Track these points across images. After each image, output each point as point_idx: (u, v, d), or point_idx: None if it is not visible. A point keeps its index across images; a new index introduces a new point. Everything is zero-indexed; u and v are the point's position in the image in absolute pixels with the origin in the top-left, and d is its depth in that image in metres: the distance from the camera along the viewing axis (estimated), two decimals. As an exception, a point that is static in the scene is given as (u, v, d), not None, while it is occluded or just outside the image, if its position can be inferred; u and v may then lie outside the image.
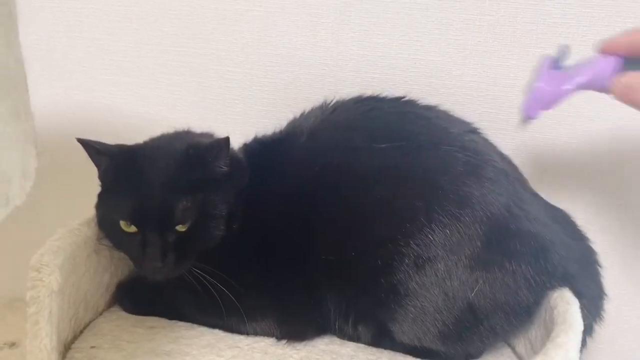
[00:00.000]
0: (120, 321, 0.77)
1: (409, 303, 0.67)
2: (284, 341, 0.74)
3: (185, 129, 0.80)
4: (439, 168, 0.67)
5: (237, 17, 0.93)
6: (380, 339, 0.73)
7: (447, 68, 0.89)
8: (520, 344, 0.74)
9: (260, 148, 0.79)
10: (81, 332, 0.75)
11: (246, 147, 0.80)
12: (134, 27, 0.97)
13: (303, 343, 0.74)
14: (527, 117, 0.60)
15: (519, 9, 0.85)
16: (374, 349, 0.74)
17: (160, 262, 0.68)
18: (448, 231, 0.65)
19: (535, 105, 0.59)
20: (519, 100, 0.84)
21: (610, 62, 0.56)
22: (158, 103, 1.00)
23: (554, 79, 0.58)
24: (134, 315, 0.79)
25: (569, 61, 0.61)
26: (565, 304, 0.63)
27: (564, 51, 0.60)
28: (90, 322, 0.77)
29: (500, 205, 0.66)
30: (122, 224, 0.70)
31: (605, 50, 0.57)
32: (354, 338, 0.75)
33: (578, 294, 0.66)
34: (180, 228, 0.69)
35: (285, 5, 0.91)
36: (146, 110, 1.01)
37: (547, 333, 0.66)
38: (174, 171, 0.70)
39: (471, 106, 0.90)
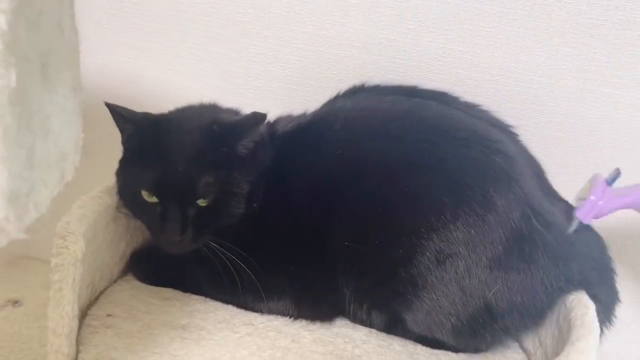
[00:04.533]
0: (135, 290, 0.77)
1: (426, 296, 0.68)
2: (298, 321, 0.75)
3: (212, 102, 0.79)
4: (471, 168, 0.67)
5: (267, -8, 0.91)
6: (393, 326, 0.74)
7: (476, 60, 0.89)
8: (529, 340, 0.75)
9: (290, 129, 0.78)
10: (96, 298, 0.75)
11: (273, 127, 0.79)
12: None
13: (317, 324, 0.75)
14: (581, 222, 0.70)
15: (554, 6, 0.84)
16: (385, 335, 0.75)
17: (178, 236, 0.68)
18: (472, 231, 0.65)
19: (589, 214, 0.70)
20: (545, 98, 0.85)
21: None
22: (179, 71, 0.98)
23: (605, 195, 0.69)
24: (148, 285, 0.79)
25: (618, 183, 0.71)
26: (584, 308, 0.64)
27: (616, 174, 0.71)
28: (104, 289, 0.77)
29: (524, 212, 0.67)
30: (143, 193, 0.69)
31: None
32: (367, 323, 0.76)
33: (593, 298, 0.68)
34: (201, 202, 0.69)
35: (315, -18, 0.90)
36: (167, 78, 0.99)
37: (560, 333, 0.68)
38: (198, 146, 0.70)
39: (496, 100, 0.89)
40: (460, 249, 0.65)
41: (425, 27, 0.89)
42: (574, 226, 0.70)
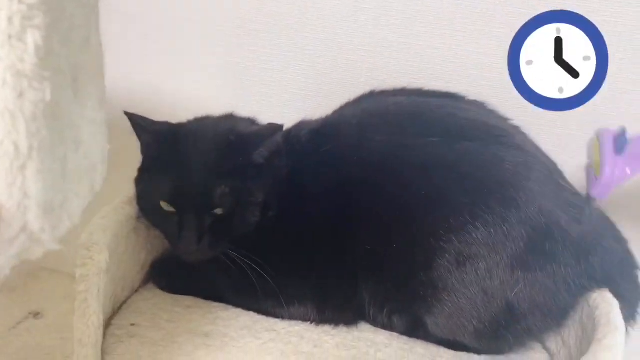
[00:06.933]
0: (157, 299, 0.78)
1: (447, 299, 0.68)
2: (320, 326, 0.75)
3: (229, 112, 0.80)
4: (488, 167, 0.67)
5: (278, 0, 0.92)
6: (414, 330, 0.74)
7: (488, 62, 0.89)
8: (551, 340, 0.75)
9: (305, 136, 0.78)
10: (119, 308, 0.76)
11: (289, 134, 0.79)
12: (171, 3, 0.96)
13: (338, 329, 0.75)
14: (599, 198, 0.65)
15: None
16: (407, 339, 0.75)
17: (195, 245, 0.69)
18: (492, 230, 0.65)
19: (605, 189, 0.64)
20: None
21: None
22: (193, 80, 0.99)
23: (617, 163, 0.63)
24: (169, 294, 0.80)
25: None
26: (608, 306, 0.64)
27: (622, 136, 0.64)
28: (127, 299, 0.78)
29: (544, 208, 0.66)
30: (161, 203, 0.70)
31: None
32: (388, 327, 0.76)
33: (617, 296, 0.67)
34: (217, 212, 0.70)
35: (327, -12, 0.90)
36: (180, 87, 1.00)
37: (584, 331, 0.67)
38: (215, 156, 0.70)
39: (509, 102, 0.89)
40: (481, 250, 0.65)
41: (436, 30, 0.89)
42: (591, 207, 0.67)
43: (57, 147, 0.33)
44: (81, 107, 0.35)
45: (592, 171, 0.66)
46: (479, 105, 0.79)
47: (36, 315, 1.10)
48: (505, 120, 0.78)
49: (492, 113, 0.78)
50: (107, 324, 0.72)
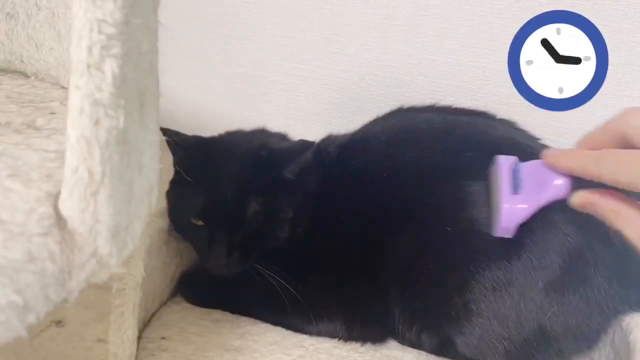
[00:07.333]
0: (186, 312, 0.78)
1: (479, 320, 0.68)
2: (348, 343, 0.75)
3: (261, 127, 0.80)
4: None
5: (307, 14, 0.93)
6: (443, 349, 0.74)
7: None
8: (580, 361, 0.74)
9: (334, 150, 0.79)
10: (149, 321, 0.76)
11: (318, 149, 0.80)
12: (195, 15, 0.97)
13: (366, 346, 0.75)
14: (508, 235, 0.60)
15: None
16: (435, 357, 0.75)
17: (224, 260, 0.70)
18: (532, 257, 0.65)
19: (506, 231, 0.60)
20: (587, 120, 0.84)
21: (566, 182, 0.56)
22: (218, 94, 1.00)
23: (515, 201, 0.59)
24: (197, 307, 0.80)
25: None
26: (641, 331, 0.63)
27: (516, 166, 0.61)
28: (156, 311, 0.78)
29: (578, 230, 0.66)
30: (191, 217, 0.70)
31: (553, 165, 0.56)
32: (416, 345, 0.76)
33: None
34: (247, 227, 0.70)
35: (356, 5, 0.91)
36: (205, 100, 1.01)
37: (616, 355, 0.67)
38: (246, 172, 0.71)
39: (534, 119, 0.89)
40: (518, 276, 0.65)
41: (466, 47, 0.90)
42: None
43: (126, 171, 0.33)
44: (144, 130, 0.36)
45: (494, 209, 0.62)
46: (509, 124, 0.79)
47: (58, 323, 1.10)
48: (534, 139, 0.78)
49: (521, 132, 0.78)
50: (138, 336, 0.72)
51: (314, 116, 0.97)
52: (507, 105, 0.89)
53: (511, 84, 0.89)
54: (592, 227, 0.68)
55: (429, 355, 0.75)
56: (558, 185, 0.56)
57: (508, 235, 0.60)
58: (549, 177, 0.57)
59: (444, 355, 0.75)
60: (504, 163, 0.61)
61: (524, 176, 0.60)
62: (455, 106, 0.82)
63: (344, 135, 0.82)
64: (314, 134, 0.82)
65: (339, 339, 0.75)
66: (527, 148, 0.73)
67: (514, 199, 0.59)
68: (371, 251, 0.72)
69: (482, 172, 0.68)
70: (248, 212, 0.69)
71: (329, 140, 0.82)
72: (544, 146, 0.77)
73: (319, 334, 0.76)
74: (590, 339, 0.69)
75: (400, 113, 0.82)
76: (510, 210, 0.59)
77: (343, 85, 0.95)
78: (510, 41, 0.87)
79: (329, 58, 0.94)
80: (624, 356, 0.64)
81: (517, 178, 0.60)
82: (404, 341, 0.76)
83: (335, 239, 0.74)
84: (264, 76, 0.98)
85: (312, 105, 0.97)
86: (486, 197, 0.66)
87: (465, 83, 0.90)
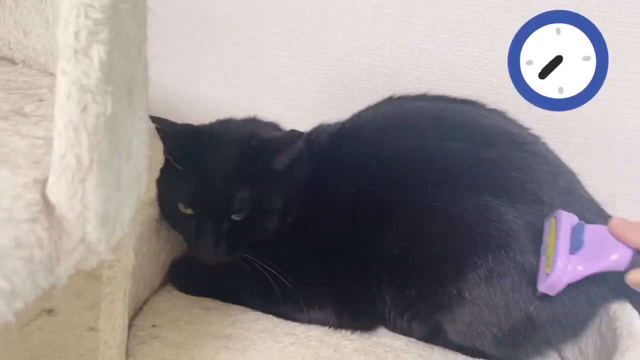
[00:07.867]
0: (176, 300, 0.78)
1: (470, 309, 0.68)
2: (339, 330, 0.75)
3: (252, 116, 0.80)
4: (517, 174, 0.67)
5: (297, 2, 0.92)
6: (433, 336, 0.75)
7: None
8: (568, 349, 0.76)
9: (325, 139, 0.79)
10: (140, 309, 0.76)
11: (309, 137, 0.80)
12: (185, 2, 0.96)
13: (357, 334, 0.76)
14: (548, 293, 0.61)
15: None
16: (425, 344, 0.76)
17: (212, 249, 0.70)
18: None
19: (553, 288, 0.60)
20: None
21: (626, 255, 0.57)
22: (210, 83, 0.99)
23: (570, 262, 0.59)
24: (188, 295, 0.80)
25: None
26: (628, 317, 0.64)
27: (580, 227, 0.61)
28: (146, 299, 0.78)
29: None
30: (179, 205, 0.71)
31: (619, 236, 0.58)
32: (407, 332, 0.76)
33: (637, 308, 0.68)
34: (235, 217, 0.70)
35: (347, -7, 0.90)
36: (195, 88, 1.00)
37: (603, 342, 0.68)
38: (235, 161, 0.71)
39: (527, 110, 0.90)
40: (511, 269, 0.66)
41: (457, 37, 0.89)
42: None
43: (114, 158, 0.33)
44: (133, 117, 0.36)
45: (545, 259, 0.63)
46: (499, 114, 0.79)
47: (49, 312, 1.09)
48: (525, 129, 0.78)
49: (512, 122, 0.79)
50: (129, 324, 0.72)
51: (305, 105, 0.97)
52: (498, 94, 0.89)
53: (503, 73, 0.89)
54: (586, 217, 0.68)
55: (418, 342, 0.76)
56: (615, 260, 0.57)
57: (552, 293, 0.60)
58: (610, 245, 0.58)
59: (434, 342, 0.76)
60: (566, 220, 0.61)
61: (587, 239, 0.60)
62: (446, 95, 0.82)
63: (335, 124, 0.82)
64: (305, 123, 0.82)
65: (330, 327, 0.76)
66: (518, 137, 0.74)
67: (570, 260, 0.59)
68: (362, 240, 0.73)
69: (473, 161, 0.69)
70: (235, 201, 0.69)
71: (319, 129, 0.82)
72: (535, 136, 0.78)
73: (311, 321, 0.76)
74: (577, 327, 0.70)
75: (391, 102, 0.82)
76: (564, 269, 0.58)
77: (334, 74, 0.95)
78: (500, 30, 0.87)
79: (320, 47, 0.94)
80: (610, 343, 0.65)
81: (578, 239, 0.60)
82: (395, 328, 0.77)
83: (327, 228, 0.74)
84: (255, 64, 0.97)
85: (303, 94, 0.97)
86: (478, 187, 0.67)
87: (456, 72, 0.90)
